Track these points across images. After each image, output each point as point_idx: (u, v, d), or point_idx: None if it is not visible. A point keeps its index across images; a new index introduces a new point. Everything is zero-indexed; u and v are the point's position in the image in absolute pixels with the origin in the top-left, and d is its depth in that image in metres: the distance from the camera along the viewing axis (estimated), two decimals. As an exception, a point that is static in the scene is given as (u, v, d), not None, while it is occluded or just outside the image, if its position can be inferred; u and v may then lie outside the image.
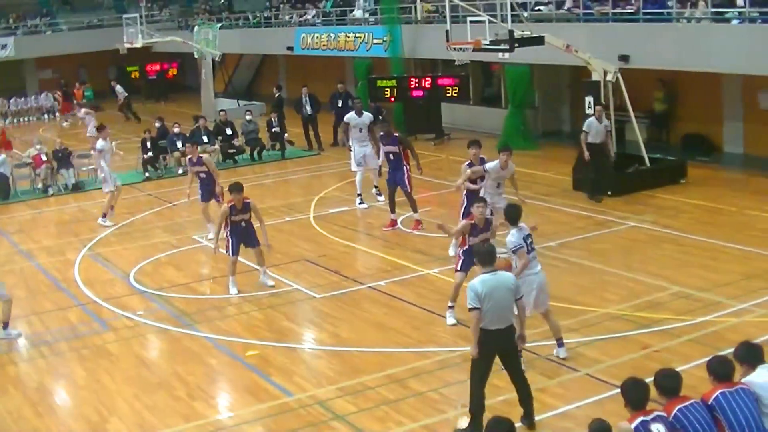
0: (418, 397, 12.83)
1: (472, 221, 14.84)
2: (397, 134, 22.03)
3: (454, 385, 13.21)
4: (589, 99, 23.62)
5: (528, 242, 13.40)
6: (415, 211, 21.48)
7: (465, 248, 15.12)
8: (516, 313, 11.58)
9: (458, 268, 15.38)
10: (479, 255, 11.57)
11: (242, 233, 18.02)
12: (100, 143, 24.55)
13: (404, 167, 21.39)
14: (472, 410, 11.51)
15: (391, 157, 21.54)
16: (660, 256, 18.34)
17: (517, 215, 13.51)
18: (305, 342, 15.72)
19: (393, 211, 21.80)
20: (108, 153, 24.40)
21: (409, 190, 21.33)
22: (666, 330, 14.49)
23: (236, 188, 17.88)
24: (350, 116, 24.62)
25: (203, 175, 21.16)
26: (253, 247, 18.24)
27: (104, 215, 24.26)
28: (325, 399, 13.03)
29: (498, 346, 11.35)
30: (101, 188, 25.31)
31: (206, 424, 12.58)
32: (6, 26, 54.01)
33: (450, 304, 15.53)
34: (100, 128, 25.44)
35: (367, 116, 24.55)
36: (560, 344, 13.83)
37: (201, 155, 21.70)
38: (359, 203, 24.09)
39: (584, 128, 22.61)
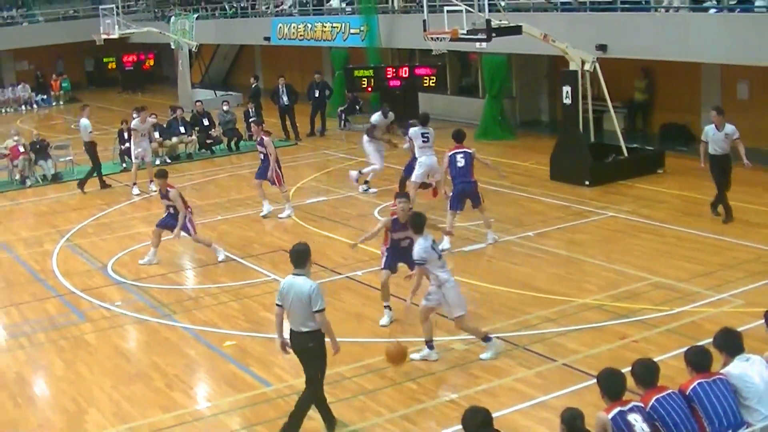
0: (396, 387, 12.82)
1: (394, 216, 14.87)
2: (411, 121, 22.25)
3: (432, 374, 13.24)
4: (566, 89, 23.58)
5: (436, 248, 13.25)
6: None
7: (387, 246, 15.16)
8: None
9: (383, 266, 15.29)
10: (290, 254, 11.51)
11: (168, 215, 19.29)
12: (133, 122, 26.71)
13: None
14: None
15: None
16: (638, 247, 18.34)
17: (422, 224, 13.32)
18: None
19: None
20: (139, 132, 26.44)
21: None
22: (644, 320, 14.49)
23: (158, 174, 19.49)
24: (376, 117, 25.00)
25: (261, 156, 22.34)
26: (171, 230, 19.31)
27: (151, 181, 25.93)
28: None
29: (293, 346, 11.50)
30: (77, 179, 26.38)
31: (184, 414, 12.55)
32: (-19, 18, 53.79)
33: (385, 304, 15.32)
34: (140, 108, 27.30)
35: (390, 116, 25.01)
36: (430, 346, 13.66)
37: (264, 136, 22.44)
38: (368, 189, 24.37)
39: (702, 138, 19.65)
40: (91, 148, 27.05)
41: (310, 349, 11.30)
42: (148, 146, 26.92)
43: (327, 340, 11.42)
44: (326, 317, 11.29)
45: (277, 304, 11.44)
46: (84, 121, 27.18)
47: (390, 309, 15.27)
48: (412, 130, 21.32)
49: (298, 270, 11.31)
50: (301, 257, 11.35)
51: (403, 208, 14.60)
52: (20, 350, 15.45)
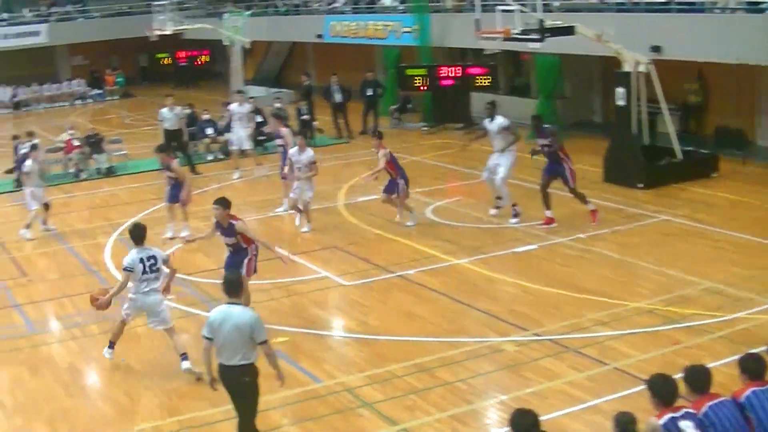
0: (446, 387, 12.87)
1: (215, 220, 15.35)
2: (546, 126, 21.11)
3: (482, 375, 13.28)
4: (620, 90, 23.47)
5: (148, 264, 13.72)
6: (585, 202, 20.55)
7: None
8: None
9: (225, 265, 15.63)
10: (223, 283, 11.11)
11: (171, 187, 20.96)
12: (232, 105, 28.85)
13: (563, 161, 20.24)
14: None
15: (545, 149, 20.41)
16: (691, 251, 18.25)
17: (139, 235, 13.98)
18: (334, 329, 15.76)
19: (548, 208, 20.60)
20: (236, 116, 28.21)
21: (572, 185, 20.35)
22: (696, 326, 14.41)
23: (158, 149, 21.37)
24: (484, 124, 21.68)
25: (281, 149, 23.21)
26: (170, 202, 21.19)
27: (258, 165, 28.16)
28: (353, 386, 13.11)
29: (224, 382, 10.92)
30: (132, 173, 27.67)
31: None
32: (39, 13, 54.31)
33: None
34: (237, 93, 29.67)
35: (500, 120, 21.26)
36: (184, 358, 13.99)
37: (281, 128, 23.54)
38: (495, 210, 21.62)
39: None
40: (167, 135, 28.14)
41: (246, 383, 10.81)
42: (243, 134, 28.02)
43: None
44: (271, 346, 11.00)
45: (206, 337, 10.73)
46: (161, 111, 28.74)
47: None
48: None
49: (232, 299, 10.79)
50: (234, 286, 10.94)
51: (216, 214, 15.12)
52: (73, 341, 15.71)
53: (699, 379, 8.86)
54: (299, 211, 21.45)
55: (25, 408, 13.30)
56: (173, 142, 27.13)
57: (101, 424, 12.72)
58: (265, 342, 10.66)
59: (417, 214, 21.36)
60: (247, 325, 10.52)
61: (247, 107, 28.55)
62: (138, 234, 13.99)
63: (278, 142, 23.36)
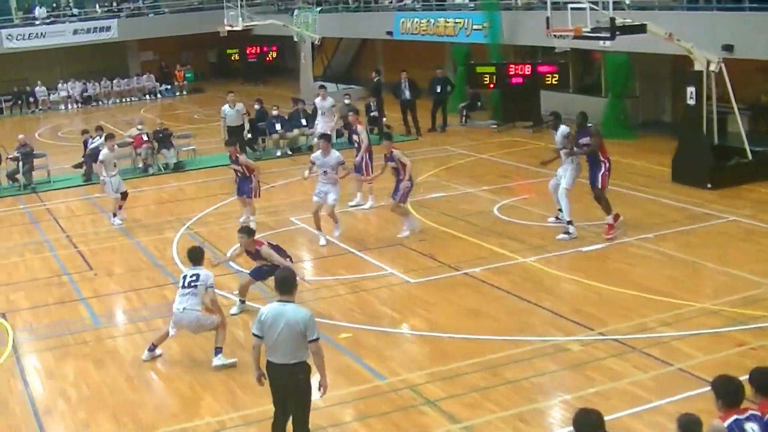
0: (510, 386, 12.83)
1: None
2: (590, 125, 20.04)
3: (546, 374, 13.23)
4: (691, 89, 23.24)
5: (189, 279, 14.31)
6: (608, 213, 19.50)
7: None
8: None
9: (250, 272, 16.56)
10: (276, 280, 10.97)
11: (239, 180, 21.66)
12: (316, 100, 29.83)
13: (602, 163, 19.34)
14: None
15: (585, 148, 19.48)
16: (758, 252, 17.98)
17: (194, 257, 14.60)
18: (398, 326, 15.74)
19: (608, 213, 19.57)
20: (320, 111, 29.28)
21: (600, 188, 19.37)
22: (763, 327, 14.19)
23: (228, 143, 22.70)
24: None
25: (355, 145, 23.68)
26: (239, 195, 21.92)
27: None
28: (416, 384, 13.09)
29: (275, 381, 10.76)
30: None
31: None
32: (109, 9, 55.04)
33: (239, 298, 16.65)
34: (320, 87, 30.54)
35: (562, 129, 20.00)
36: (217, 352, 14.36)
37: (358, 125, 23.89)
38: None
39: None
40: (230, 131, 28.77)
41: (300, 381, 10.63)
42: (325, 127, 28.66)
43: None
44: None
45: (256, 335, 10.59)
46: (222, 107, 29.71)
47: (243, 303, 16.56)
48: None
49: (284, 297, 10.56)
50: (287, 284, 10.64)
51: (240, 241, 16.18)
52: (138, 334, 15.84)
53: (765, 381, 8.72)
54: (320, 226, 20.49)
55: (89, 401, 13.48)
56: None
57: (165, 417, 12.84)
58: (316, 340, 10.47)
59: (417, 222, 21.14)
60: (300, 322, 10.37)
61: (330, 102, 29.03)
62: (193, 256, 14.62)
63: (355, 138, 23.75)
